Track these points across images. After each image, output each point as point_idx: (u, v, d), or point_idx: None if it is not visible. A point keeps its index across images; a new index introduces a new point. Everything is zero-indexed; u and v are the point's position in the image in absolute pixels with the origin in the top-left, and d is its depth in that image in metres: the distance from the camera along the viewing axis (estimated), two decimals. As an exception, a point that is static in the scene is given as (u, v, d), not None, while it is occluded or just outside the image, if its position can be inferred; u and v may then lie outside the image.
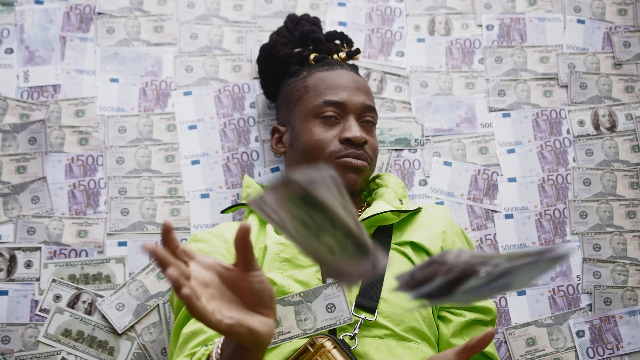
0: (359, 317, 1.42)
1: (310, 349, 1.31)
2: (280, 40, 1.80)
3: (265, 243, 1.52)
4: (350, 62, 1.82)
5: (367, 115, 1.67)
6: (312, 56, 1.77)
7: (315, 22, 1.84)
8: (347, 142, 1.61)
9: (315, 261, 1.00)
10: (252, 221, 1.61)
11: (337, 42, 1.84)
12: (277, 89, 1.82)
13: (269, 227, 1.56)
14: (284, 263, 1.49)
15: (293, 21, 1.84)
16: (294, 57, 1.78)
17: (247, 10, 2.00)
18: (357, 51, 1.81)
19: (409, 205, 1.62)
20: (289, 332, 1.40)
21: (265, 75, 1.85)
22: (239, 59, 1.96)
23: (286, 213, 0.97)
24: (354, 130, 1.61)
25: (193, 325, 1.43)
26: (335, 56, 1.79)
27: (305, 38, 1.80)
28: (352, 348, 1.39)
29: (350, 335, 1.41)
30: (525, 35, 2.01)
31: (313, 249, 0.99)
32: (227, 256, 1.53)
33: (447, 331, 1.52)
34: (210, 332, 1.38)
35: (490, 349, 1.55)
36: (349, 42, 1.84)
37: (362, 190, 1.68)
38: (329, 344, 1.31)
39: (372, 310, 1.43)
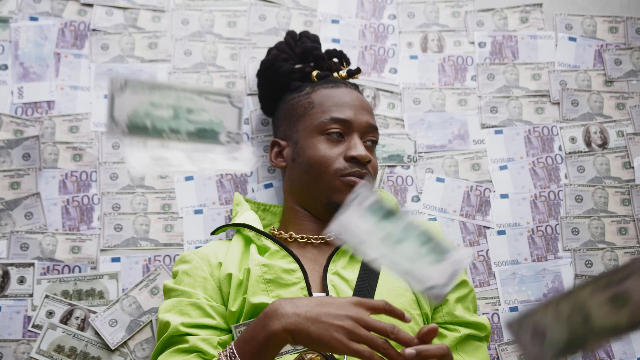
0: None
1: None
2: (282, 56, 1.80)
3: (248, 265, 1.53)
4: (351, 80, 1.84)
5: (370, 135, 1.68)
6: (314, 73, 1.77)
7: (315, 39, 1.86)
8: (352, 160, 1.62)
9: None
10: (237, 243, 1.62)
11: (336, 60, 1.85)
12: (275, 103, 1.83)
13: (252, 249, 1.57)
14: (269, 284, 1.49)
15: (293, 37, 1.85)
16: (296, 72, 1.78)
17: (241, 27, 2.01)
18: (358, 70, 1.82)
19: (401, 222, 1.63)
20: None
21: (264, 90, 1.86)
22: (232, 75, 1.97)
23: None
24: (359, 149, 1.62)
25: (169, 359, 1.44)
26: (335, 74, 1.80)
27: (307, 55, 1.80)
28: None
29: None
30: (517, 53, 2.03)
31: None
32: (210, 280, 1.54)
33: None
34: None
35: None
36: (347, 61, 1.85)
37: None
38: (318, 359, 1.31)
39: None
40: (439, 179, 1.91)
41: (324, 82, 1.74)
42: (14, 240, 1.78)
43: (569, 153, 1.94)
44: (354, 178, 1.60)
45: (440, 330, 1.54)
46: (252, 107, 1.94)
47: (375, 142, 1.70)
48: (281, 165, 1.72)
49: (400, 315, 1.25)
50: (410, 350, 1.20)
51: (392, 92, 1.98)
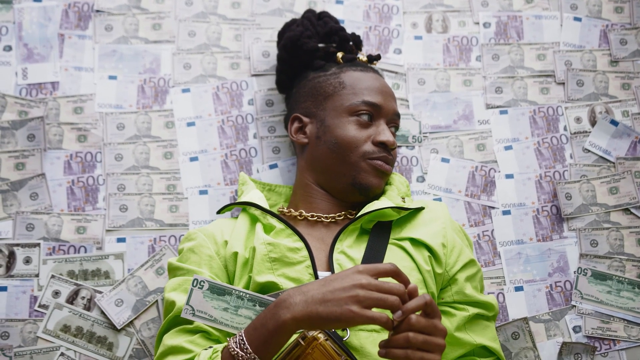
0: None
1: (302, 342, 1.30)
2: (306, 33, 1.79)
3: (254, 244, 1.53)
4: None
5: (395, 122, 1.72)
6: (340, 54, 1.78)
7: (336, 20, 1.87)
8: (380, 145, 1.64)
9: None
10: (243, 221, 1.62)
11: (352, 43, 1.85)
12: (293, 79, 1.82)
13: (258, 227, 1.57)
14: (274, 263, 1.49)
15: (315, 16, 1.85)
16: (319, 51, 1.78)
17: (245, 8, 2.01)
18: (378, 56, 1.83)
19: (411, 204, 1.63)
20: None
21: (284, 64, 1.84)
22: (237, 56, 1.97)
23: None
24: (387, 134, 1.65)
25: (174, 339, 1.45)
26: (360, 57, 1.81)
27: (332, 35, 1.81)
28: (343, 339, 1.39)
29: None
30: (522, 33, 2.02)
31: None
32: (216, 258, 1.54)
33: (451, 325, 1.53)
34: (193, 351, 1.41)
35: (494, 344, 1.56)
36: (359, 44, 1.87)
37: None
38: (321, 336, 1.30)
39: None
40: (444, 160, 1.91)
41: (351, 64, 1.75)
42: (19, 220, 1.78)
43: (574, 133, 1.94)
44: (380, 162, 1.64)
45: (449, 309, 1.55)
46: (256, 87, 1.94)
47: (397, 129, 1.74)
48: (302, 142, 1.71)
49: (406, 280, 1.27)
50: (397, 313, 1.23)
51: (396, 73, 1.98)
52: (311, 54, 1.78)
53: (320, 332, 1.32)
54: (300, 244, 1.52)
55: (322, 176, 1.67)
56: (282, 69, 1.85)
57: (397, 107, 1.74)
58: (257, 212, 1.61)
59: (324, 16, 1.86)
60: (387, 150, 1.65)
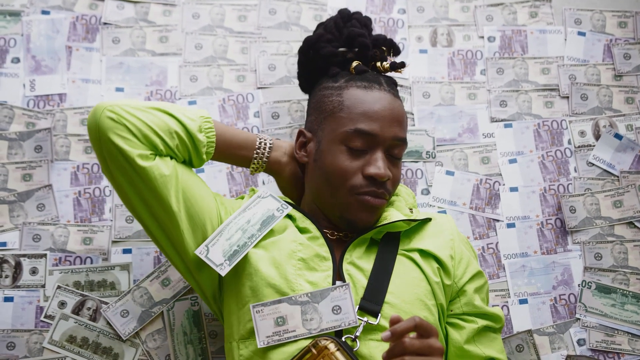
0: (362, 320, 1.43)
1: (313, 350, 1.32)
2: (326, 36, 1.69)
3: (285, 235, 1.54)
4: (394, 74, 1.76)
5: (396, 149, 1.59)
6: (354, 64, 1.65)
7: (366, 23, 1.73)
8: (369, 178, 1.54)
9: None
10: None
11: (384, 48, 1.73)
12: (311, 83, 1.74)
13: (291, 226, 1.57)
14: (299, 262, 1.50)
15: (343, 17, 1.72)
16: (337, 56, 1.67)
17: (251, 21, 2.02)
18: (402, 64, 1.69)
19: (418, 215, 1.63)
20: (294, 330, 1.42)
21: (303, 68, 1.77)
22: (243, 69, 1.98)
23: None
24: (378, 165, 1.54)
25: None
26: (378, 64, 1.69)
27: (352, 40, 1.67)
28: (354, 350, 1.40)
29: (352, 338, 1.42)
30: (527, 47, 2.04)
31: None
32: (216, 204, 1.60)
33: (460, 337, 1.54)
34: None
35: (502, 356, 1.57)
36: (396, 50, 1.74)
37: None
38: (332, 346, 1.32)
39: (375, 314, 1.44)
40: (449, 172, 1.92)
41: (359, 78, 1.62)
42: (26, 231, 1.79)
43: (578, 147, 1.95)
44: (369, 197, 1.54)
45: (458, 321, 1.56)
46: (262, 100, 1.95)
47: (399, 158, 1.61)
48: (304, 160, 1.64)
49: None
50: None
51: (401, 86, 1.99)
52: (327, 59, 1.67)
53: (331, 342, 1.33)
54: (328, 255, 1.52)
55: (318, 201, 1.61)
56: (301, 73, 1.78)
57: (403, 130, 1.61)
58: (297, 214, 1.59)
59: (354, 17, 1.72)
60: (377, 183, 1.54)
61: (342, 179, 1.54)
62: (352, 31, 1.67)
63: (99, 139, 1.49)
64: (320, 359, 1.31)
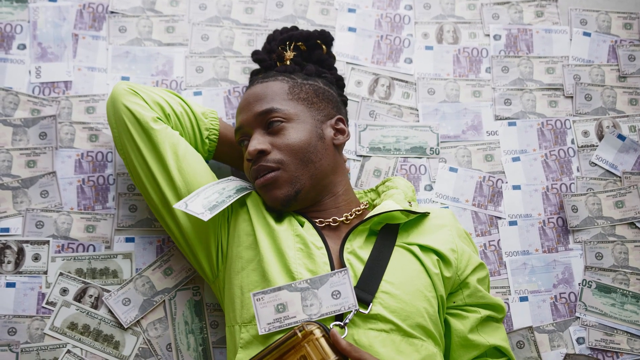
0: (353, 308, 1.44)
1: (298, 334, 1.33)
2: (264, 46, 1.87)
3: (284, 225, 1.57)
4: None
5: (269, 119, 1.61)
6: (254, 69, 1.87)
7: (289, 31, 1.86)
8: (251, 161, 1.61)
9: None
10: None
11: (319, 41, 1.84)
12: None
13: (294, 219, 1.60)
14: (297, 252, 1.51)
15: (280, 31, 1.88)
16: (260, 62, 1.84)
17: (258, 14, 2.02)
18: (303, 45, 1.83)
19: (417, 208, 1.64)
20: (295, 316, 1.44)
21: None
22: (249, 61, 1.98)
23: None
24: (250, 146, 1.59)
25: None
26: (287, 55, 1.80)
27: (267, 46, 1.86)
28: (343, 336, 1.40)
29: (340, 325, 1.42)
30: (532, 46, 2.04)
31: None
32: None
33: (464, 327, 1.55)
34: None
35: (506, 344, 1.59)
36: (328, 43, 1.86)
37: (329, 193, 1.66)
38: (317, 332, 1.33)
39: (366, 303, 1.45)
40: (452, 169, 1.93)
41: (254, 79, 1.76)
42: (29, 217, 1.79)
43: (582, 146, 1.96)
44: (259, 179, 1.59)
45: (460, 312, 1.58)
46: (267, 92, 1.95)
47: (281, 121, 1.60)
48: None
49: None
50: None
51: (407, 82, 1.99)
52: (259, 64, 1.85)
53: (317, 328, 1.34)
54: (321, 244, 1.53)
55: None
56: None
57: (265, 103, 1.62)
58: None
59: (285, 30, 1.88)
60: (258, 163, 1.59)
61: (249, 176, 1.64)
62: (267, 38, 1.87)
63: (115, 106, 1.67)
64: (305, 344, 1.32)
